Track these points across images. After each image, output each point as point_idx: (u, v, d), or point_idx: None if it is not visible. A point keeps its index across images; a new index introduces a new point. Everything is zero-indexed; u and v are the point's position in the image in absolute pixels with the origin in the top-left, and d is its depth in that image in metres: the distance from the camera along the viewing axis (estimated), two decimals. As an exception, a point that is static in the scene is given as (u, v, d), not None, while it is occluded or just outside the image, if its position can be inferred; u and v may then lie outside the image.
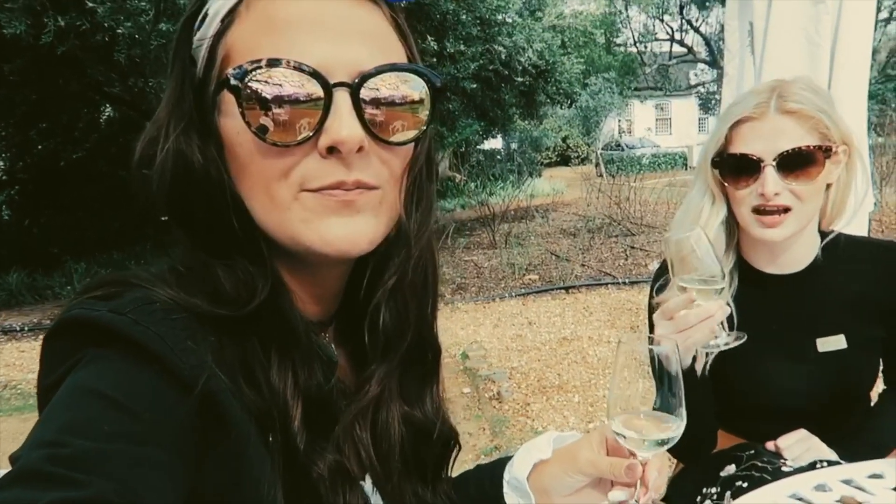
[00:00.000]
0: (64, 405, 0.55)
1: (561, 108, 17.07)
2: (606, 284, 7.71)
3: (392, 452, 0.80)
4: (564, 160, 30.96)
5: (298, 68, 0.63)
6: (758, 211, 1.38)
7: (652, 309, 1.48)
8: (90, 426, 0.53)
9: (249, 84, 0.62)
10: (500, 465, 0.97)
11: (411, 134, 0.70)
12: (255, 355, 0.66)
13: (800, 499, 1.18)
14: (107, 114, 13.68)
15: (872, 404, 1.57)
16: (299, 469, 0.67)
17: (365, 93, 0.65)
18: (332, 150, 0.65)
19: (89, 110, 13.09)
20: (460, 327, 6.45)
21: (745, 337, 1.31)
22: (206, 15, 0.68)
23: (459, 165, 18.10)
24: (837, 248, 1.49)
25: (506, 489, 0.94)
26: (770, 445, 1.45)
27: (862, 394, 1.52)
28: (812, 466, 1.29)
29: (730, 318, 1.44)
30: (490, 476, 0.97)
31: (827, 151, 1.36)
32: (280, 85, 0.62)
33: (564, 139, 31.52)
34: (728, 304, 1.44)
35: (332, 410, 0.74)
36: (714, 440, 1.51)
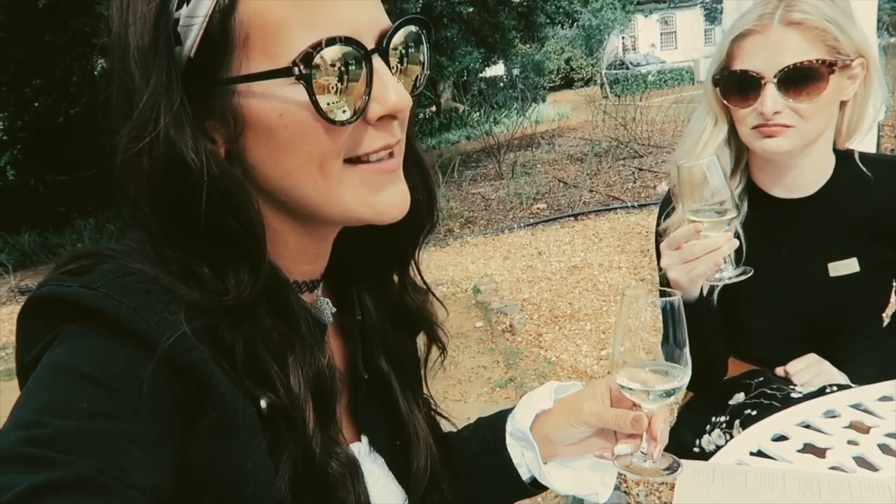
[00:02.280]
0: (41, 385, 0.54)
1: (562, 28, 16.54)
2: (615, 209, 7.64)
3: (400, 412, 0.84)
4: (568, 83, 30.29)
5: (347, 42, 0.60)
6: (755, 126, 1.34)
7: (658, 237, 1.46)
8: (69, 405, 0.52)
9: (314, 66, 0.59)
10: (501, 417, 0.97)
11: (421, 82, 0.71)
12: (254, 351, 0.64)
13: (808, 426, 1.17)
14: (100, 66, 13.44)
15: (884, 326, 1.54)
16: (315, 471, 0.67)
17: (390, 53, 0.65)
18: (382, 119, 0.65)
19: (81, 63, 12.85)
20: (470, 261, 6.46)
21: (752, 271, 1.28)
22: None
23: (461, 96, 17.73)
24: (851, 169, 1.43)
25: (508, 440, 0.94)
26: (780, 371, 1.44)
27: (873, 317, 1.50)
28: (822, 391, 1.28)
29: (738, 251, 1.41)
30: (491, 429, 0.96)
31: (831, 66, 1.28)
32: (335, 63, 0.60)
33: (567, 61, 30.74)
34: (738, 236, 1.41)
35: (333, 388, 0.72)
36: (725, 369, 1.50)
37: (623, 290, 0.85)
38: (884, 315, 1.52)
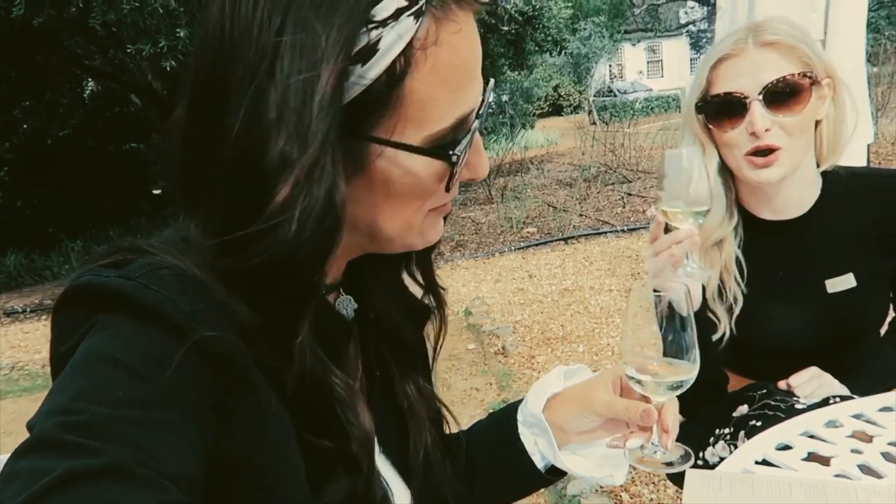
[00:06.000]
0: (77, 372, 0.55)
1: (550, 55, 16.75)
2: (605, 233, 7.69)
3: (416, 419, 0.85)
4: (557, 109, 30.62)
5: (475, 131, 0.67)
6: (750, 153, 1.35)
7: None
8: (104, 392, 0.53)
9: (454, 148, 0.65)
10: (513, 408, 0.98)
11: None
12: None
13: (812, 436, 1.18)
14: (89, 88, 13.46)
15: (882, 336, 1.56)
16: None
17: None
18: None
19: (71, 86, 12.87)
20: (461, 284, 6.45)
21: (710, 273, 1.28)
22: (374, 48, 0.58)
23: (451, 121, 17.86)
24: (839, 185, 1.46)
25: (521, 429, 0.95)
26: (782, 384, 1.45)
27: (873, 329, 1.52)
28: (825, 403, 1.29)
29: (741, 273, 1.44)
30: (504, 420, 0.97)
31: (813, 79, 1.33)
32: (465, 143, 0.66)
33: (556, 88, 31.10)
34: (739, 261, 1.44)
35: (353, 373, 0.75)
36: (722, 389, 1.49)
37: (633, 283, 0.86)
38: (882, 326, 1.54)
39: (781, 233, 1.47)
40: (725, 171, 1.46)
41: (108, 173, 11.71)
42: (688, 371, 0.84)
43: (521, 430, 0.94)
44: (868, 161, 2.91)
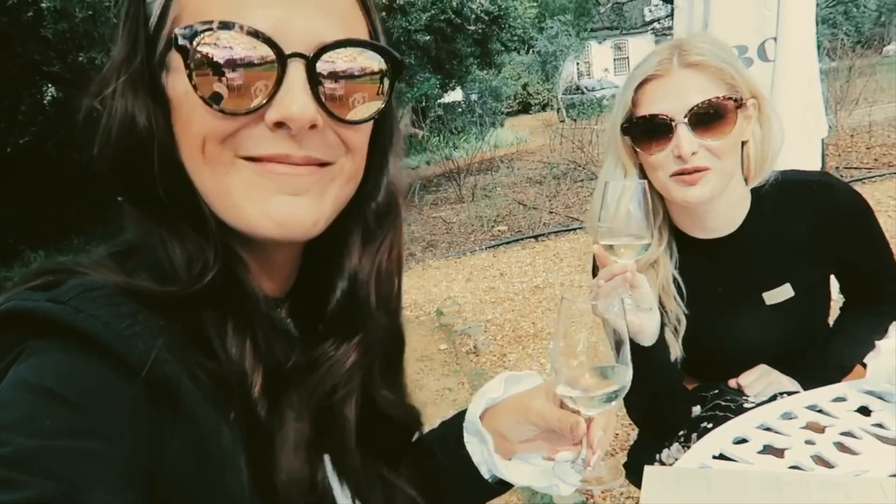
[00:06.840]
0: (4, 402, 0.52)
1: (518, 54, 16.88)
2: (575, 230, 7.74)
3: (349, 434, 0.78)
4: (525, 108, 30.77)
5: (252, 34, 0.60)
6: (676, 173, 1.33)
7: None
8: (31, 422, 0.50)
9: (199, 46, 0.60)
10: (460, 416, 0.96)
11: (369, 111, 0.68)
12: (210, 327, 0.63)
13: (768, 429, 1.20)
14: (49, 95, 13.16)
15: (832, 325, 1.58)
16: (261, 438, 0.65)
17: (322, 66, 0.63)
18: (280, 125, 0.62)
19: (31, 92, 12.57)
20: (433, 284, 6.45)
21: (651, 309, 1.25)
22: None
23: (420, 121, 17.84)
24: (769, 199, 1.44)
25: (466, 438, 0.93)
26: (732, 383, 1.46)
27: (817, 332, 1.52)
28: (773, 400, 1.31)
29: (680, 293, 1.44)
30: (451, 428, 0.96)
31: (738, 101, 1.31)
32: (230, 49, 0.60)
33: (524, 87, 31.24)
34: (677, 281, 1.44)
35: (292, 386, 0.71)
36: (680, 414, 1.46)
37: (561, 295, 0.85)
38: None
39: (716, 250, 1.46)
40: (653, 193, 1.43)
41: (70, 181, 11.46)
42: (619, 381, 0.83)
43: (467, 437, 0.93)
44: (823, 154, 2.97)
